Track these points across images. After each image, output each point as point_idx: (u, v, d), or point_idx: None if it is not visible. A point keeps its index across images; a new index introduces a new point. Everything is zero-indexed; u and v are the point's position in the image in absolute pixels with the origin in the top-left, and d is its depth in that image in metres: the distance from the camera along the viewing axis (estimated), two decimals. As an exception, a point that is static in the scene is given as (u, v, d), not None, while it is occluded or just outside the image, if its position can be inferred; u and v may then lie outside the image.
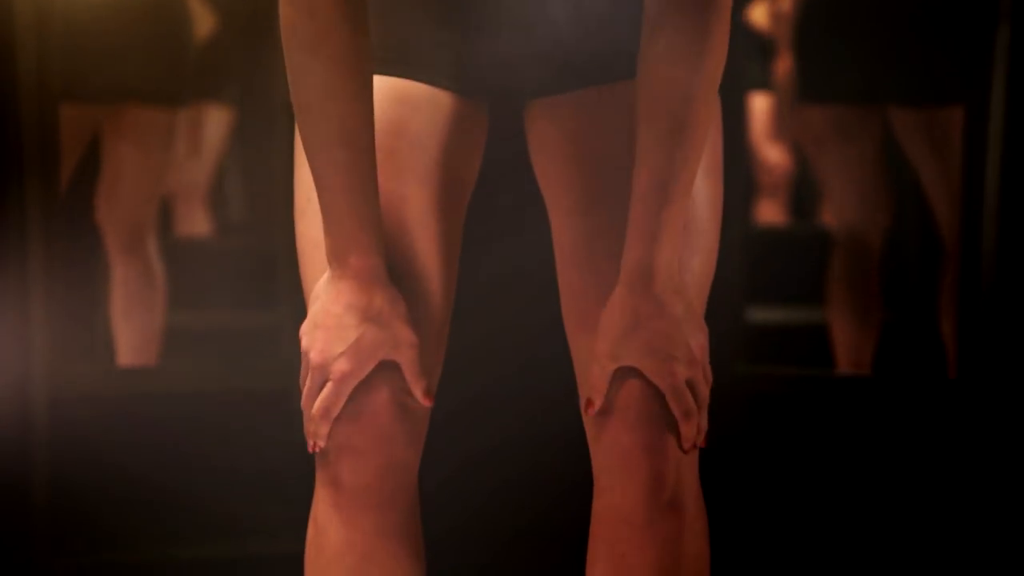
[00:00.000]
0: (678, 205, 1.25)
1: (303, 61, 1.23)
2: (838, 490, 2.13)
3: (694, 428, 1.27)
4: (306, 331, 1.28)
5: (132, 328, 2.51)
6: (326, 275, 1.28)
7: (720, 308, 2.14)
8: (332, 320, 1.26)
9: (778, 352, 2.53)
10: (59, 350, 2.05)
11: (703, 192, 1.33)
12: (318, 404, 1.27)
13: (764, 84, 3.23)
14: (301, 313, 1.29)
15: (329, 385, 1.26)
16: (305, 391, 1.28)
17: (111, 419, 2.17)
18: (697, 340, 1.26)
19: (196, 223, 2.98)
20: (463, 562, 1.49)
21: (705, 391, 1.28)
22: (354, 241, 1.25)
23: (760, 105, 3.39)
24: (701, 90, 1.23)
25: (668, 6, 1.22)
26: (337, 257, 1.26)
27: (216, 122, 2.91)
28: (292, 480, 2.23)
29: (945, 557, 2.05)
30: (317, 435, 1.28)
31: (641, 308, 1.25)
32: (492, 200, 1.48)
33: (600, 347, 1.27)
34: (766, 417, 2.16)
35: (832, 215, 2.70)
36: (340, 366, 1.25)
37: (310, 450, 1.29)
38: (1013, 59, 1.98)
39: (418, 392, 1.28)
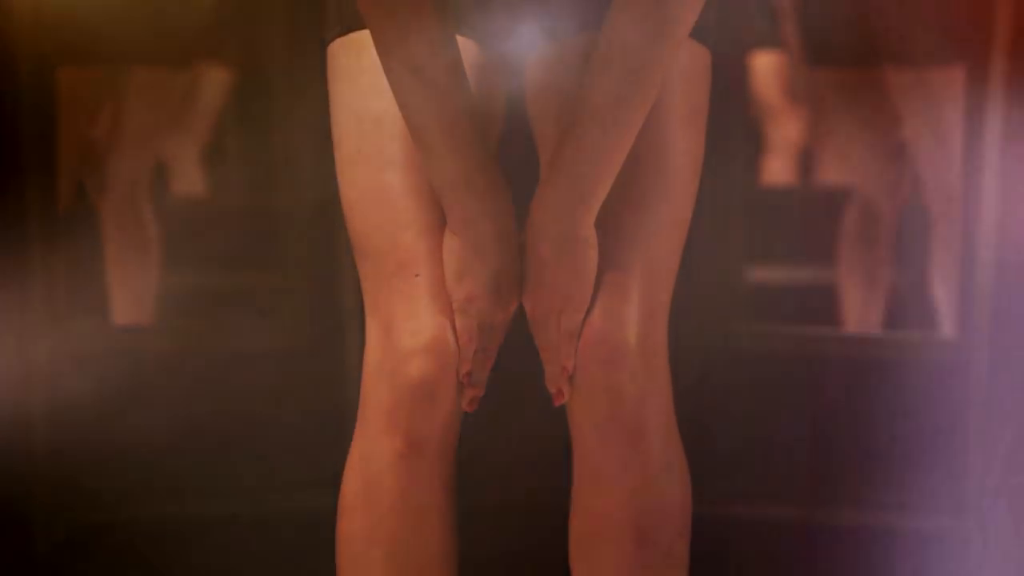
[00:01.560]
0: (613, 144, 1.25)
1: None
2: (838, 448, 2.13)
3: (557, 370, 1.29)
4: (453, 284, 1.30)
5: (127, 289, 2.51)
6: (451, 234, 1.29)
7: (721, 267, 2.15)
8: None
9: (779, 311, 2.53)
10: (58, 309, 2.05)
11: (681, 142, 1.33)
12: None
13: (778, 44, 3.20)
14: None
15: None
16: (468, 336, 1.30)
17: (111, 378, 2.17)
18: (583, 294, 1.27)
19: (195, 183, 2.98)
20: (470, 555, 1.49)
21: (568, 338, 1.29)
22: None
23: (778, 66, 3.37)
24: (655, 50, 1.23)
25: None
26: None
27: (215, 81, 2.90)
28: (289, 440, 2.24)
29: (943, 521, 2.06)
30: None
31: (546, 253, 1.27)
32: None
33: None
34: (765, 375, 2.17)
35: (847, 175, 2.69)
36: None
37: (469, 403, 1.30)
38: (1015, 19, 1.97)
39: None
